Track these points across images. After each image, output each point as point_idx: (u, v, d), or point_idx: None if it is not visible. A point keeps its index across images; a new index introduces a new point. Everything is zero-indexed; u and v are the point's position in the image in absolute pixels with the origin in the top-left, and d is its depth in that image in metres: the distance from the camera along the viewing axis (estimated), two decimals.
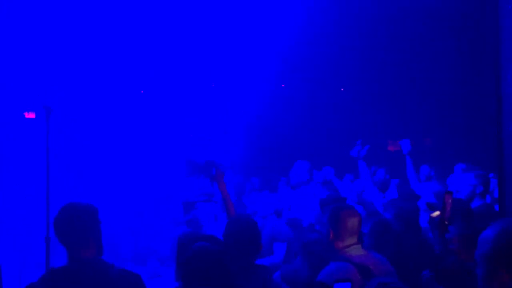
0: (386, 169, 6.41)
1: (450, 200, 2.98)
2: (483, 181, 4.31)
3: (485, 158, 5.93)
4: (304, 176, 5.72)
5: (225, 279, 2.09)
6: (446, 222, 2.96)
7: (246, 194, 6.58)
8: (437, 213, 3.12)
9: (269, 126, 9.13)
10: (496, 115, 3.57)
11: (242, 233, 2.88)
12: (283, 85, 9.53)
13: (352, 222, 2.98)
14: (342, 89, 9.73)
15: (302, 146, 8.25)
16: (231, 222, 3.10)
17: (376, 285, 1.88)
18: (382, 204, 4.66)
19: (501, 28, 3.55)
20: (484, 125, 7.02)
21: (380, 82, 9.12)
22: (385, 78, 9.07)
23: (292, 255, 4.40)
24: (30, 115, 7.83)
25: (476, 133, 8.25)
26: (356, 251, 2.93)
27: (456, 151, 7.98)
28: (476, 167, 5.33)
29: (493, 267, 1.85)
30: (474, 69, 8.32)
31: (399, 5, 7.56)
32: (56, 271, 2.43)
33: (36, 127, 7.37)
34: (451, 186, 4.94)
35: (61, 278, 2.39)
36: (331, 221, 3.00)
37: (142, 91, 9.09)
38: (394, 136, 6.60)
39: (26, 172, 7.06)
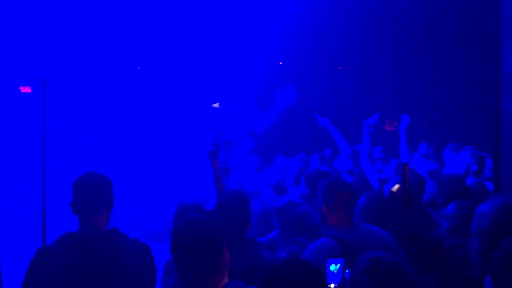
0: (383, 147, 6.42)
1: (408, 172, 2.90)
2: (478, 160, 4.33)
3: (479, 138, 5.94)
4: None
5: (215, 251, 2.07)
6: (408, 194, 2.90)
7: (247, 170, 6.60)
8: (397, 186, 3.07)
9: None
10: (494, 94, 3.56)
11: (233, 206, 2.88)
12: (280, 63, 9.46)
13: (344, 196, 2.98)
14: (340, 68, 9.66)
15: (301, 124, 8.25)
16: (222, 196, 3.08)
17: (367, 260, 1.87)
18: (378, 179, 4.67)
19: (502, 7, 3.51)
20: (481, 105, 7.01)
21: (379, 62, 9.07)
22: (384, 59, 9.02)
23: None
24: (26, 89, 7.78)
25: (473, 113, 8.26)
26: (347, 225, 2.94)
27: (452, 131, 7.99)
28: (470, 146, 5.34)
29: (490, 241, 1.84)
30: (473, 50, 8.27)
31: None
32: (72, 235, 2.41)
33: (32, 101, 7.34)
34: (446, 164, 4.95)
35: (77, 242, 2.38)
36: (323, 195, 3.00)
37: (139, 67, 9.02)
38: (391, 115, 6.58)
39: (22, 146, 7.05)
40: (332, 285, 2.15)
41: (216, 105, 8.67)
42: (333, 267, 2.16)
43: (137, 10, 7.82)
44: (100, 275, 2.34)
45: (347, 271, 2.11)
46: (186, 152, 8.07)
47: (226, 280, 2.06)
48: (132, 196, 7.38)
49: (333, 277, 2.17)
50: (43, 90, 4.49)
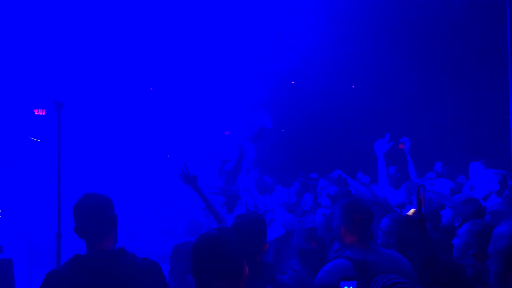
0: (397, 167, 6.37)
1: (423, 194, 2.85)
2: (501, 180, 4.24)
3: (497, 157, 5.86)
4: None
5: (236, 267, 2.03)
6: (424, 218, 2.84)
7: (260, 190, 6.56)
8: (413, 210, 3.02)
9: (283, 124, 9.09)
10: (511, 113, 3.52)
11: (249, 228, 2.83)
12: (293, 82, 9.49)
13: (362, 217, 2.94)
14: (353, 87, 9.66)
15: (315, 146, 8.22)
16: (238, 217, 3.01)
17: (382, 284, 1.82)
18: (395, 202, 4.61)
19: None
20: (497, 124, 6.94)
21: (393, 80, 9.05)
22: (399, 77, 9.00)
23: None
24: (40, 112, 7.87)
25: (489, 132, 8.17)
26: (363, 246, 2.90)
27: (470, 150, 7.91)
28: (490, 165, 5.26)
29: (508, 263, 1.79)
30: (488, 69, 8.23)
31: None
32: (80, 258, 2.41)
33: (46, 124, 7.42)
34: (469, 183, 4.86)
35: (85, 265, 2.38)
36: (341, 216, 2.96)
37: (151, 88, 9.10)
38: (407, 134, 6.57)
39: (37, 168, 7.10)
40: None
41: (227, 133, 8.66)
42: None
43: (148, 30, 7.93)
44: None
45: None
46: (199, 173, 8.05)
47: None
48: (144, 216, 7.37)
49: None
50: (58, 112, 4.53)
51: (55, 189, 4.26)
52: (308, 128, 8.26)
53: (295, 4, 7.85)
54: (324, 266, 2.87)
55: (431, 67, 8.94)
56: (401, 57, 8.71)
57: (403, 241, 3.17)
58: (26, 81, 7.65)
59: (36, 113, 7.92)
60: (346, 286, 2.09)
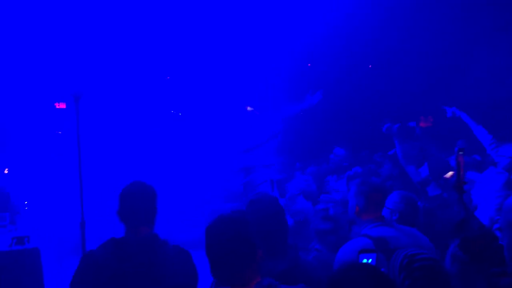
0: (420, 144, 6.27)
1: (463, 158, 2.83)
2: None
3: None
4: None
5: (248, 248, 2.04)
6: (462, 181, 2.82)
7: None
8: (451, 173, 2.99)
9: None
10: None
11: (266, 213, 2.82)
12: (309, 64, 9.41)
13: (377, 196, 2.94)
14: (370, 66, 9.52)
15: (336, 131, 8.16)
16: (252, 201, 2.97)
17: (402, 257, 1.83)
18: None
19: None
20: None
21: (412, 60, 8.89)
22: (419, 56, 8.83)
23: None
24: (61, 105, 8.02)
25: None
26: (380, 223, 2.89)
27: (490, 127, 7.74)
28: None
29: None
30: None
31: None
32: (117, 241, 2.52)
33: (68, 116, 7.56)
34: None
35: (121, 248, 2.48)
36: (356, 194, 2.97)
37: (168, 77, 9.14)
38: (428, 112, 6.47)
39: (60, 160, 7.25)
40: None
41: (250, 108, 8.65)
42: (364, 262, 2.10)
43: (165, 20, 7.95)
44: (142, 278, 2.42)
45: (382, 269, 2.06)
46: (222, 161, 8.09)
47: (258, 278, 2.05)
48: (167, 205, 7.46)
49: None
50: (77, 104, 4.61)
51: (78, 180, 4.35)
52: (326, 111, 8.17)
53: None
54: (343, 245, 2.88)
55: (453, 44, 8.75)
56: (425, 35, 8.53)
57: (406, 219, 3.17)
58: (47, 76, 7.79)
59: (57, 107, 8.07)
60: (365, 258, 2.08)
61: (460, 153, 2.77)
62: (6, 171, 6.55)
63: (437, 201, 4.00)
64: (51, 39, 7.57)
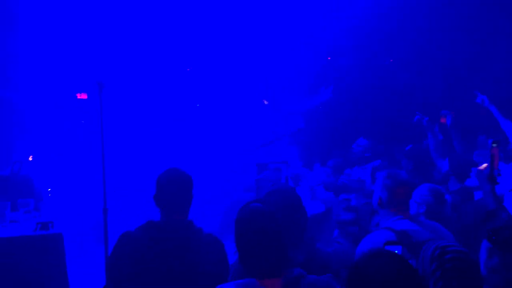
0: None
1: (497, 151, 2.82)
2: None
3: None
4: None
5: (277, 240, 2.06)
6: (496, 174, 2.81)
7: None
8: (485, 165, 2.98)
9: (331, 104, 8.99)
10: None
11: (282, 202, 2.83)
12: (329, 58, 9.35)
13: (402, 190, 2.93)
14: (391, 60, 9.43)
15: (359, 125, 8.12)
16: (270, 192, 2.95)
17: (434, 248, 1.83)
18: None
19: None
20: None
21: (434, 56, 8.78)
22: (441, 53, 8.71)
23: None
24: (82, 96, 8.13)
25: None
26: (403, 217, 2.88)
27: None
28: None
29: None
30: None
31: None
32: (154, 224, 2.57)
33: (89, 106, 7.67)
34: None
35: (158, 231, 2.54)
36: (381, 187, 2.96)
37: (188, 69, 9.19)
38: (449, 108, 6.41)
39: (84, 148, 7.36)
40: None
41: (265, 102, 8.68)
42: None
43: (186, 13, 7.99)
44: (176, 261, 2.47)
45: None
46: (243, 150, 8.13)
47: (287, 269, 2.06)
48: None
49: None
50: (100, 93, 4.67)
51: (101, 167, 4.42)
52: (346, 103, 8.14)
53: None
54: (365, 237, 2.87)
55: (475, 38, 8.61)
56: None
57: (433, 213, 3.14)
58: (71, 64, 7.91)
59: (78, 97, 8.19)
60: (391, 250, 2.07)
61: (494, 145, 2.77)
62: (30, 158, 6.67)
63: (460, 194, 3.97)
64: (78, 29, 7.68)
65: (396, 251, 2.08)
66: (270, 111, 8.48)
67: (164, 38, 8.22)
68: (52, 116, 7.89)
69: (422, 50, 8.74)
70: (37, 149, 7.26)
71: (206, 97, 8.94)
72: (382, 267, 1.56)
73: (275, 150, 6.92)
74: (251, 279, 2.01)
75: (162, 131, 8.27)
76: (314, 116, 7.90)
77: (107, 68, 7.22)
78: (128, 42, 7.97)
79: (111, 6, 7.74)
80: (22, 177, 5.23)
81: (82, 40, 7.73)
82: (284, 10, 8.07)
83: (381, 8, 8.08)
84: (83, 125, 7.71)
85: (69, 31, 7.72)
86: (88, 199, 6.35)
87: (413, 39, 8.59)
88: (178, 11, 7.97)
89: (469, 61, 8.81)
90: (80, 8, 7.69)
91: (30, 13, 7.71)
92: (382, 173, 3.05)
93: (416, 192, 3.31)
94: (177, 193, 2.62)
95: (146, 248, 2.46)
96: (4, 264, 3.84)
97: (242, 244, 2.10)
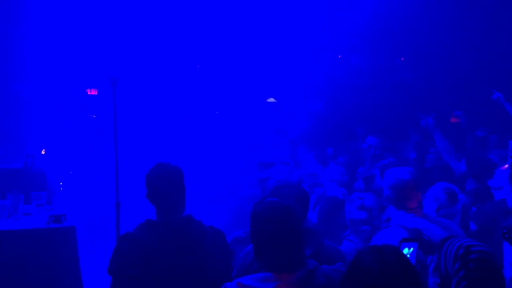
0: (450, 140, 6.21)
1: None
2: None
3: None
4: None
5: (294, 234, 2.04)
6: None
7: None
8: (507, 166, 2.98)
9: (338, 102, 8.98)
10: None
11: (288, 196, 2.83)
12: (339, 56, 9.35)
13: (411, 188, 2.93)
14: (402, 59, 9.41)
15: (366, 122, 8.11)
16: (277, 186, 2.93)
17: (457, 247, 1.82)
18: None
19: None
20: None
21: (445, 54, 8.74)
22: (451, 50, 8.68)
23: None
24: (93, 91, 8.18)
25: None
26: (414, 214, 2.88)
27: None
28: None
29: None
30: None
31: None
32: (152, 223, 2.55)
33: (100, 101, 7.72)
34: None
35: (157, 229, 2.51)
36: (390, 185, 2.96)
37: (198, 66, 9.21)
38: (460, 108, 6.40)
39: (96, 142, 7.41)
40: None
41: (272, 99, 8.67)
42: (406, 251, 2.09)
43: (197, 12, 8.01)
44: (180, 257, 2.45)
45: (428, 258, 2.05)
46: (249, 148, 8.14)
47: (303, 264, 2.06)
48: (196, 191, 7.53)
49: None
50: (113, 88, 4.71)
51: (114, 161, 4.46)
52: (356, 103, 8.13)
53: None
54: (376, 234, 2.88)
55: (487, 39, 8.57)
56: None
57: (446, 211, 3.15)
58: (80, 63, 7.95)
59: (89, 93, 8.24)
60: (406, 247, 2.06)
61: None
62: (43, 152, 6.72)
63: (476, 194, 3.97)
64: (90, 26, 7.72)
65: (412, 249, 2.09)
66: (277, 110, 8.48)
67: (175, 36, 8.24)
68: (64, 111, 7.95)
69: (431, 50, 8.72)
70: (49, 143, 7.31)
71: (212, 96, 8.95)
72: (379, 261, 1.61)
73: (281, 149, 6.91)
74: (267, 273, 2.01)
75: (169, 128, 8.29)
76: (323, 114, 7.90)
77: (120, 64, 7.25)
78: (140, 38, 7.99)
79: (123, 2, 7.77)
80: (35, 170, 5.26)
81: (94, 36, 7.77)
82: (291, 9, 8.07)
83: (390, 8, 8.07)
84: (94, 119, 7.76)
85: (81, 28, 7.75)
86: (101, 192, 6.38)
87: (422, 39, 8.57)
88: (191, 9, 7.99)
89: (478, 61, 8.78)
90: (92, 4, 7.73)
91: (43, 8, 7.75)
92: (390, 171, 3.05)
93: (430, 190, 3.32)
94: (168, 187, 2.56)
95: (150, 248, 2.43)
96: (17, 257, 3.86)
97: (259, 239, 2.09)
